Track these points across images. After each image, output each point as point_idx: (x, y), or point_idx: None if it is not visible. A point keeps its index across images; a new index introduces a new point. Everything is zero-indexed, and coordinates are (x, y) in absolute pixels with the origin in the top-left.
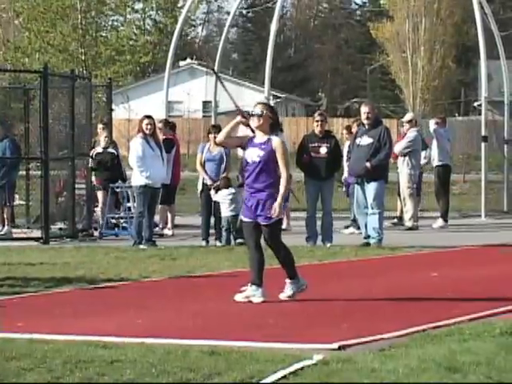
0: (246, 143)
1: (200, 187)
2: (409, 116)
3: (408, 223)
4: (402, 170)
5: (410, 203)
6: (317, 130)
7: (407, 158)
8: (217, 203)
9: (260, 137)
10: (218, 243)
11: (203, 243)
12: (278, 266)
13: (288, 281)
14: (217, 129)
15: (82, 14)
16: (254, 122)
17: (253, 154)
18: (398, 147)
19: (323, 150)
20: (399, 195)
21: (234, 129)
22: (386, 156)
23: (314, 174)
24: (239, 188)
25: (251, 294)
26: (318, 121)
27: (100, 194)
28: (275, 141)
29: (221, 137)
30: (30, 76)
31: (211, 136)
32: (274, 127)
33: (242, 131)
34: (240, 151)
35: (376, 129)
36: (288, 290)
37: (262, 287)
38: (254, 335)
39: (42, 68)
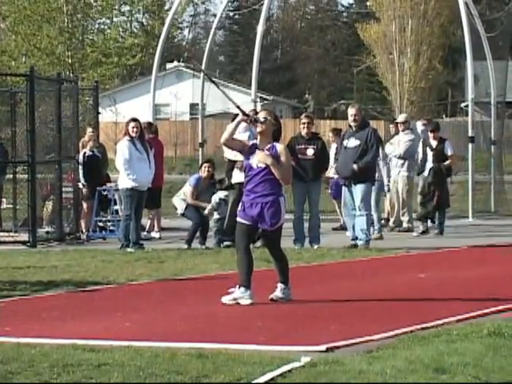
0: (248, 149)
1: (181, 208)
2: (402, 117)
3: (406, 224)
4: (399, 173)
5: (407, 205)
6: (303, 132)
7: (405, 160)
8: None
9: (263, 143)
10: (201, 246)
11: (185, 246)
12: (266, 268)
13: (280, 285)
14: (211, 163)
15: (69, 16)
16: (258, 128)
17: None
18: (397, 151)
19: (310, 151)
20: (385, 196)
21: (236, 128)
22: (373, 158)
23: (301, 176)
24: (226, 190)
25: (239, 296)
26: (304, 123)
27: (86, 204)
28: (280, 147)
29: (225, 136)
30: (17, 79)
31: (204, 169)
32: (276, 134)
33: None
34: (227, 153)
35: (363, 131)
36: (279, 292)
37: (250, 289)
38: (241, 337)
39: (28, 71)
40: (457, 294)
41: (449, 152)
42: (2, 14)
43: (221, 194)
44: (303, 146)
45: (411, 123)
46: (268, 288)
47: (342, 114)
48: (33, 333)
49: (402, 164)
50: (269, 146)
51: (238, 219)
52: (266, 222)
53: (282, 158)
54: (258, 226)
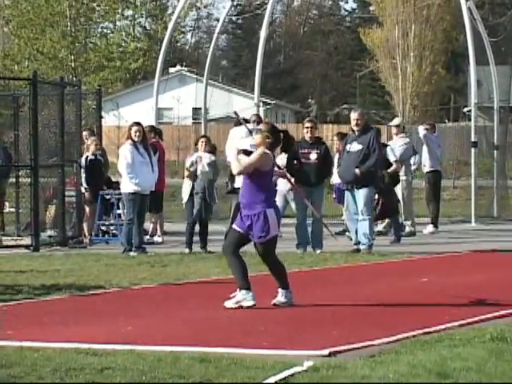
0: None
1: (186, 196)
2: (397, 121)
3: (408, 228)
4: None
5: (409, 209)
6: (307, 137)
7: (401, 164)
8: (202, 211)
9: None
10: (202, 251)
11: (186, 250)
12: (266, 272)
13: (281, 290)
14: (207, 138)
15: (72, 21)
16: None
17: None
18: (393, 156)
19: (313, 156)
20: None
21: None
22: (375, 162)
23: (304, 181)
24: (228, 194)
25: (241, 298)
26: (307, 127)
27: (88, 208)
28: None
29: (240, 169)
30: (20, 83)
31: (201, 144)
32: (273, 146)
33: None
34: (229, 157)
35: (366, 135)
36: (281, 297)
37: (251, 291)
38: (244, 342)
39: (31, 75)
40: (459, 298)
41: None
42: (4, 17)
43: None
44: (306, 151)
45: (413, 128)
46: (269, 293)
47: (345, 119)
48: (35, 337)
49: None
50: None
51: (234, 225)
52: (255, 235)
53: (252, 155)
54: (250, 237)
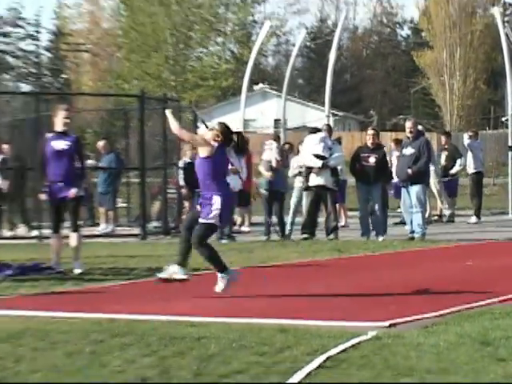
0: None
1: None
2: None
3: (447, 212)
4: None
5: (443, 195)
6: (369, 143)
7: None
8: (277, 204)
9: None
10: (279, 237)
11: (264, 238)
12: (338, 257)
13: (219, 275)
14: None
15: (173, 46)
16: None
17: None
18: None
19: (372, 159)
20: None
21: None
22: (424, 163)
23: (364, 180)
24: (304, 191)
25: (225, 282)
26: (370, 134)
27: (187, 203)
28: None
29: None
30: (129, 99)
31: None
32: (223, 143)
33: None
34: (304, 159)
35: (418, 141)
36: (220, 284)
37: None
38: (318, 315)
39: (139, 92)
40: (499, 278)
41: None
42: (117, 44)
43: None
44: (367, 155)
45: (459, 135)
46: (341, 274)
47: (401, 127)
48: (143, 311)
49: None
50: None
51: (212, 221)
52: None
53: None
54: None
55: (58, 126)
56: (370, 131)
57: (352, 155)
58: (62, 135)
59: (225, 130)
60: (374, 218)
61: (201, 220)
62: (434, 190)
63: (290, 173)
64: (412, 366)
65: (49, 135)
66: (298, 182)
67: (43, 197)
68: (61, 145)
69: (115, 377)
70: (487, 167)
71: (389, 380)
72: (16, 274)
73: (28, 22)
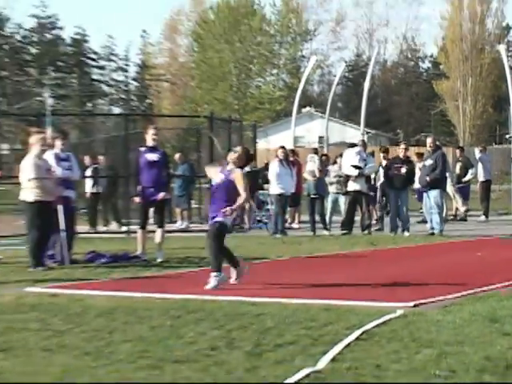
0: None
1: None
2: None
3: (462, 209)
4: None
5: (458, 198)
6: (401, 155)
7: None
8: (318, 204)
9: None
10: (326, 232)
11: (311, 233)
12: (373, 249)
13: (212, 274)
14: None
15: (236, 76)
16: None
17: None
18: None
19: (403, 170)
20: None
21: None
22: (439, 172)
23: (395, 186)
24: (343, 195)
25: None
26: (403, 148)
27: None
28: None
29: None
30: (201, 120)
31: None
32: (243, 164)
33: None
34: (344, 169)
35: (436, 153)
36: (212, 282)
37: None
38: (356, 296)
39: (208, 114)
40: (505, 266)
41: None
42: (190, 75)
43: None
44: (399, 165)
45: (471, 149)
46: (374, 263)
47: (423, 143)
48: (211, 292)
49: None
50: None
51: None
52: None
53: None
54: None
55: (149, 141)
56: (403, 145)
57: (386, 164)
58: (153, 149)
59: (246, 152)
60: (403, 216)
61: (218, 219)
62: (451, 194)
63: (327, 180)
64: (432, 338)
65: (142, 149)
66: (334, 188)
67: (137, 199)
68: (153, 157)
69: (188, 347)
70: (494, 176)
71: (412, 350)
72: (109, 262)
73: (119, 57)
